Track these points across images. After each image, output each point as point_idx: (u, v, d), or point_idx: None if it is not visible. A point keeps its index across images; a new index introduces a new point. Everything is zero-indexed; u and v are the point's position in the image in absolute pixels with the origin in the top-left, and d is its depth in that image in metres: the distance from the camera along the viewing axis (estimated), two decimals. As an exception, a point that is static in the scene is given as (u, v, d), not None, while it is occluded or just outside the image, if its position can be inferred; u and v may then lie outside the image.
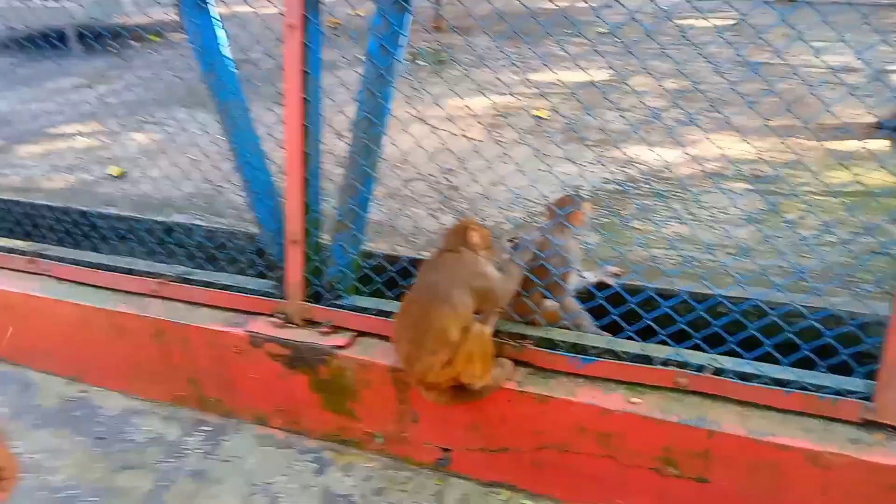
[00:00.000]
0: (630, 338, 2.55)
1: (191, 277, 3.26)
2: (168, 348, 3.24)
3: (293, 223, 2.89)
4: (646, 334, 2.53)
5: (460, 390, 2.56)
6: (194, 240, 3.36)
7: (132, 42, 7.26)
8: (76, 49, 7.29)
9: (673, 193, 4.18)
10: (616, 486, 2.56)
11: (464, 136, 2.58)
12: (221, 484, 2.96)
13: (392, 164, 2.91)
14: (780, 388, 2.36)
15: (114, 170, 4.72)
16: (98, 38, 3.28)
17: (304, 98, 2.73)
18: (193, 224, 3.49)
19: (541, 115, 5.41)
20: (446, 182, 4.31)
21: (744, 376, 2.42)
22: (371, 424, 2.95)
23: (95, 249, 3.61)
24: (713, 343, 2.46)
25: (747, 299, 2.53)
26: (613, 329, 2.67)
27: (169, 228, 3.47)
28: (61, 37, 3.46)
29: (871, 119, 5.09)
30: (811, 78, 2.28)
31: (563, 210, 2.64)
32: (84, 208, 3.76)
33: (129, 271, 3.39)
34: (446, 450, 2.84)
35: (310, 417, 3.07)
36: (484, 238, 2.56)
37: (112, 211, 3.79)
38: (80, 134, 4.28)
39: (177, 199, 3.48)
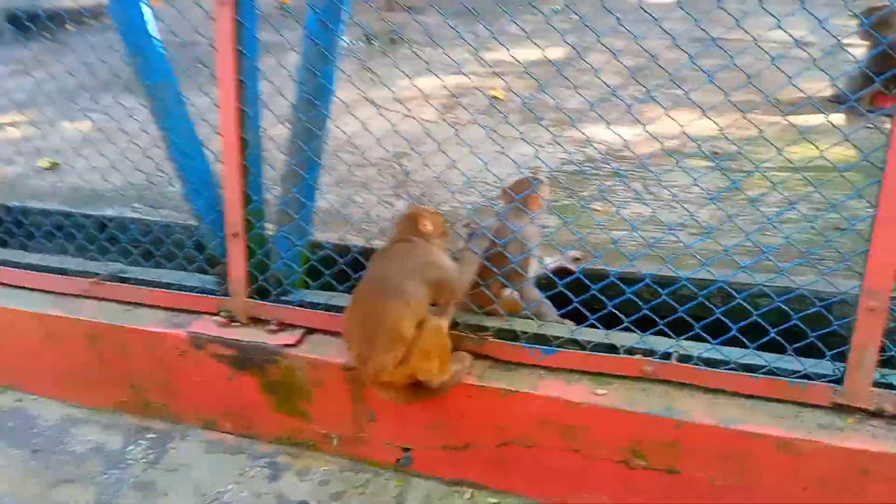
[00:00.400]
0: (593, 326, 2.44)
1: (126, 276, 3.04)
2: (104, 353, 3.02)
3: (233, 214, 2.70)
4: (610, 321, 2.41)
5: (418, 388, 2.42)
6: (130, 235, 3.13)
7: (70, 25, 6.87)
8: (8, 34, 6.88)
9: (633, 173, 4.08)
10: (582, 480, 2.46)
11: (415, 118, 2.41)
12: (168, 495, 2.78)
13: (341, 149, 2.71)
14: (748, 373, 2.27)
15: (44, 161, 4.42)
16: (32, 22, 3.01)
17: (240, 80, 2.52)
18: (128, 217, 3.26)
19: (496, 96, 5.25)
20: (398, 166, 4.14)
21: (711, 362, 2.32)
22: (326, 425, 2.79)
23: (23, 248, 3.34)
24: (680, 329, 2.36)
25: (712, 281, 2.43)
26: (576, 317, 2.55)
27: (101, 223, 3.23)
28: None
29: (828, 93, 5.07)
30: (766, 53, 2.17)
31: (520, 194, 2.50)
32: (9, 204, 3.49)
33: (60, 271, 3.15)
34: (407, 449, 2.70)
35: (261, 420, 2.90)
36: (437, 225, 2.40)
37: (39, 206, 3.52)
38: (12, 124, 3.96)
39: (111, 191, 3.23)
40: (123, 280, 3.04)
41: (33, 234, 3.28)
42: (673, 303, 2.30)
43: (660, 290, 2.34)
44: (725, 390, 2.30)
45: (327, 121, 2.59)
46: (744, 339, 2.29)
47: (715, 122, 2.36)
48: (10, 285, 3.22)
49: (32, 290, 3.19)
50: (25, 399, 3.32)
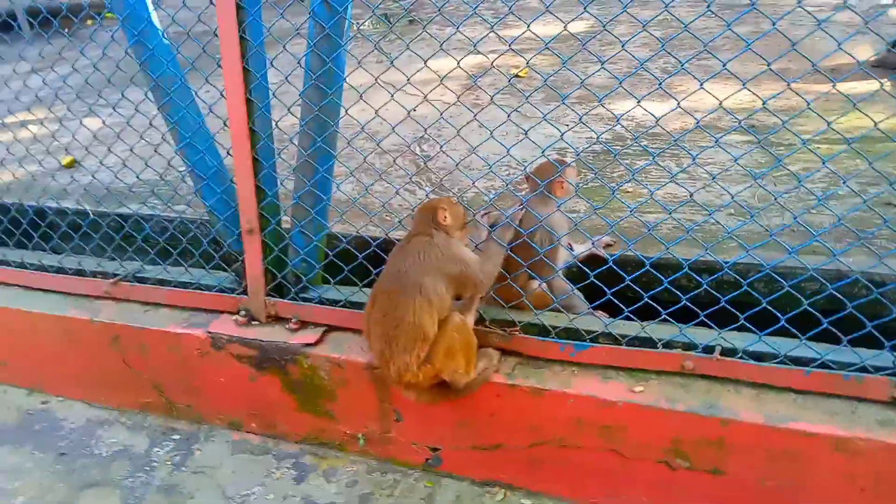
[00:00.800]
0: (628, 318, 2.28)
1: (144, 276, 2.97)
2: (126, 355, 2.97)
3: (247, 210, 2.59)
4: (646, 313, 2.25)
5: (443, 387, 2.30)
6: (147, 232, 3.05)
7: (87, 22, 6.84)
8: (28, 32, 6.87)
9: (665, 152, 3.87)
10: (622, 481, 2.33)
11: (430, 103, 2.26)
12: (193, 499, 2.72)
13: (357, 136, 2.57)
14: (798, 367, 2.10)
15: (65, 160, 4.38)
16: (54, 16, 2.94)
17: (245, 68, 2.40)
18: (145, 215, 3.18)
19: (518, 75, 5.05)
20: (417, 153, 3.99)
21: (758, 356, 2.15)
22: (351, 425, 2.70)
23: (41, 249, 3.30)
24: (721, 319, 2.19)
25: (756, 267, 2.24)
26: (609, 309, 2.39)
27: (119, 221, 3.16)
28: (9, 21, 3.12)
29: (872, 59, 4.76)
30: (803, 19, 1.96)
31: (545, 180, 2.33)
32: (26, 204, 3.44)
33: (79, 272, 3.09)
34: (435, 449, 2.60)
35: (286, 420, 2.82)
36: (457, 217, 2.26)
37: (55, 205, 3.47)
38: (32, 121, 3.90)
39: (131, 188, 3.15)
40: (142, 280, 2.97)
41: (50, 235, 3.23)
42: (714, 292, 2.13)
43: (698, 278, 2.17)
44: (774, 385, 2.13)
45: (339, 108, 2.45)
46: (793, 330, 2.11)
47: (755, 94, 2.16)
48: (31, 287, 3.19)
49: (53, 292, 3.16)
50: (52, 401, 3.30)
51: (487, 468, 2.53)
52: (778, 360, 2.12)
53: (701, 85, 2.08)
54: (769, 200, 3.19)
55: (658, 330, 2.27)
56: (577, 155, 2.45)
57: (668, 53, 2.18)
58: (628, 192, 3.40)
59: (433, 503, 2.56)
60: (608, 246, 2.86)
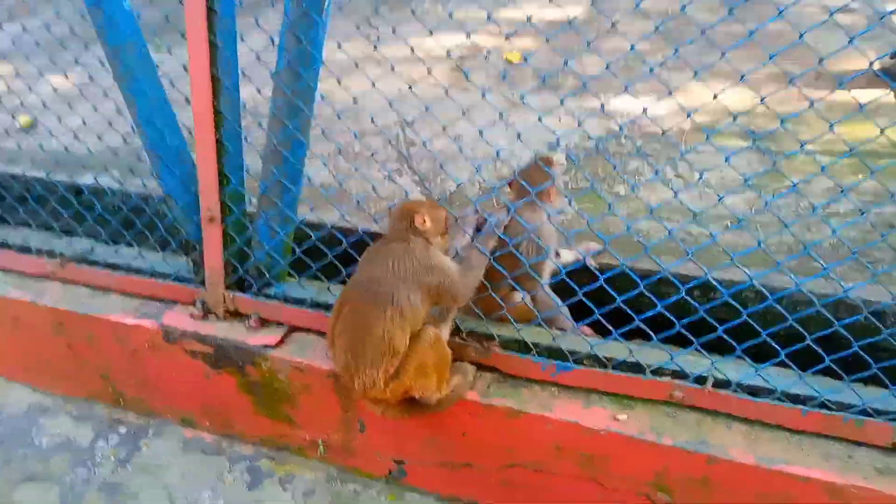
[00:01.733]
0: (616, 339, 2.11)
1: (93, 258, 2.73)
2: (72, 341, 2.75)
3: (208, 196, 2.36)
4: (634, 330, 2.08)
5: (413, 403, 2.12)
6: (100, 211, 2.79)
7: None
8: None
9: (661, 152, 3.68)
10: (597, 511, 2.18)
11: (410, 88, 2.03)
12: (137, 501, 2.54)
13: (337, 117, 2.34)
14: (796, 405, 1.95)
15: (23, 118, 4.08)
16: None
17: (212, 42, 2.15)
18: (100, 188, 2.91)
19: (510, 59, 4.81)
20: (403, 138, 3.75)
21: (753, 390, 2.00)
22: (312, 432, 2.52)
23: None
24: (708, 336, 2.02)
25: (756, 290, 2.07)
26: (596, 326, 2.22)
27: (70, 194, 2.89)
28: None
29: (876, 66, 4.60)
30: (804, 20, 1.78)
31: (535, 186, 2.13)
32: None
33: (24, 248, 2.84)
34: (400, 462, 2.43)
35: (242, 421, 2.63)
36: (437, 222, 2.06)
37: (6, 170, 3.20)
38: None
39: (92, 154, 2.87)
40: (91, 262, 2.73)
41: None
42: (713, 321, 1.96)
43: (697, 305, 2.00)
44: (767, 423, 1.99)
45: (314, 93, 2.22)
46: (793, 367, 1.95)
47: (756, 94, 1.98)
48: (-30, 262, 2.94)
49: (-5, 268, 2.91)
50: (-7, 383, 3.07)
51: (455, 486, 2.38)
52: (774, 396, 1.97)
53: (696, 74, 1.89)
54: (764, 211, 3.03)
55: (647, 354, 2.10)
56: (568, 150, 2.24)
57: (670, 46, 1.97)
58: (620, 195, 3.22)
59: (395, 519, 2.40)
60: (596, 252, 2.68)
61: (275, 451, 2.65)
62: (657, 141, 3.77)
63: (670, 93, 1.99)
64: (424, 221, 2.01)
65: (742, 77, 1.80)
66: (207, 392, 2.61)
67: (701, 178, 1.82)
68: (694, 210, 1.98)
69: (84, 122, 2.63)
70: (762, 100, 1.79)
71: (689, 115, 1.85)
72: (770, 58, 1.73)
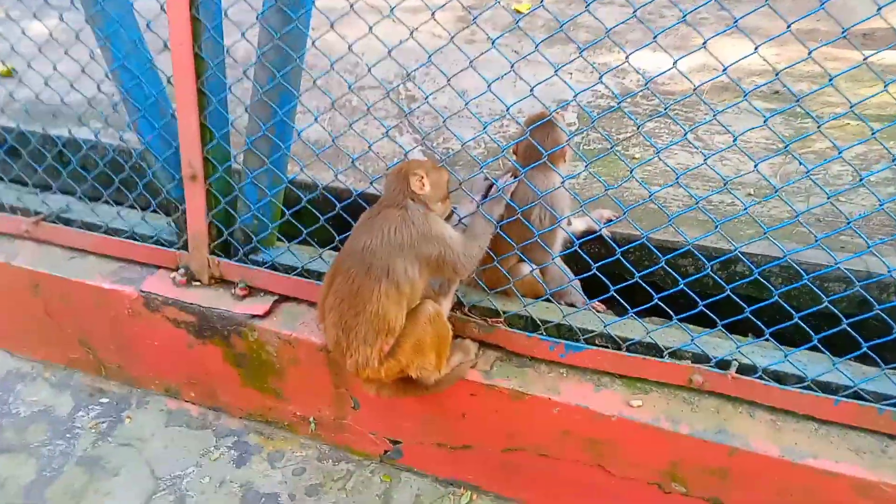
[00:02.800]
0: (632, 316, 1.94)
1: (69, 216, 2.54)
2: (49, 305, 2.58)
3: (190, 152, 2.16)
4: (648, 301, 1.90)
5: (409, 382, 1.96)
6: (74, 165, 2.59)
7: None
8: None
9: (678, 113, 3.45)
10: (604, 498, 2.04)
11: (412, 36, 1.81)
12: (118, 476, 2.40)
13: (336, 67, 2.11)
14: (826, 394, 1.79)
15: (1, 69, 3.84)
16: None
17: (190, -22, 1.93)
18: (75, 139, 2.69)
19: (518, 10, 4.53)
20: (404, 91, 3.52)
21: (779, 377, 1.84)
22: (302, 407, 2.37)
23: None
24: (733, 310, 1.85)
25: (789, 267, 1.90)
26: (609, 301, 2.05)
27: (44, 146, 2.69)
28: None
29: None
30: None
31: (546, 147, 1.92)
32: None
33: (-5, 205, 2.66)
34: (396, 441, 2.28)
35: (228, 393, 2.48)
36: (437, 186, 1.86)
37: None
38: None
39: (64, 106, 2.63)
40: (67, 222, 2.54)
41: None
42: (738, 300, 1.78)
43: (722, 282, 1.81)
44: (794, 412, 1.83)
45: (305, 38, 2.00)
46: (826, 353, 1.79)
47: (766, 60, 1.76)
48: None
49: (-35, 225, 2.72)
50: (-32, 346, 2.92)
51: (453, 467, 2.23)
52: (803, 384, 1.80)
53: (704, 43, 1.67)
54: (791, 179, 2.83)
55: (665, 335, 1.93)
56: (592, 119, 2.03)
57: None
58: (636, 157, 3.00)
59: (390, 500, 2.27)
60: (610, 221, 2.49)
61: (263, 425, 2.50)
62: (675, 100, 3.54)
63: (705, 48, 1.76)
64: (423, 185, 1.81)
65: (755, 50, 1.56)
66: (192, 362, 2.45)
67: (735, 141, 1.62)
68: (723, 177, 1.79)
69: (55, 68, 2.40)
70: (776, 75, 1.56)
71: (724, 70, 1.63)
72: (788, 27, 1.51)
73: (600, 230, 1.99)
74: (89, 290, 2.43)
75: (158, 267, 2.43)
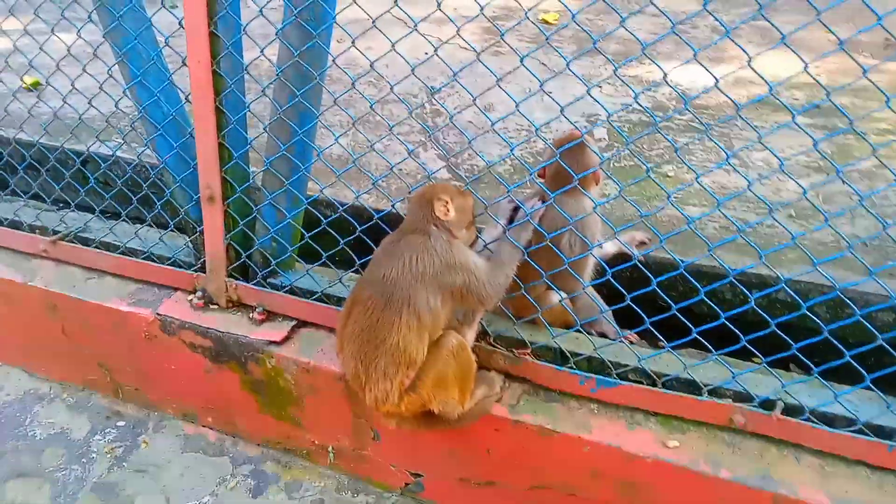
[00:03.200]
0: (669, 351, 1.82)
1: (87, 236, 2.50)
2: (66, 326, 2.54)
3: (208, 172, 2.10)
4: (680, 329, 1.78)
5: (431, 416, 1.86)
6: (99, 179, 2.55)
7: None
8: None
9: (711, 128, 3.32)
10: (637, 542, 1.91)
11: (436, 51, 1.73)
12: (133, 504, 2.34)
13: (358, 83, 2.03)
14: (881, 439, 1.65)
15: (28, 79, 3.84)
16: None
17: (209, -5, 1.86)
18: (102, 154, 2.66)
19: (547, 21, 4.43)
20: (429, 106, 3.44)
21: (829, 419, 1.70)
22: (321, 436, 2.29)
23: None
24: (771, 344, 1.72)
25: (865, 305, 1.75)
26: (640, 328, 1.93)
27: (62, 163, 2.65)
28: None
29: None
30: None
31: (580, 172, 1.82)
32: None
33: (14, 224, 2.62)
34: (417, 475, 2.18)
35: (246, 420, 2.41)
36: (462, 211, 1.77)
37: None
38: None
39: (80, 122, 2.58)
40: (84, 242, 2.50)
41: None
42: (785, 337, 1.66)
43: (766, 316, 1.69)
44: (845, 457, 1.69)
45: (326, 55, 1.92)
46: (881, 395, 1.65)
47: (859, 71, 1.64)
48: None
49: (-14, 243, 2.70)
50: (-10, 365, 2.89)
51: (477, 502, 2.13)
52: (855, 427, 1.67)
53: (749, 61, 1.55)
54: (834, 202, 2.69)
55: (705, 371, 1.81)
56: (625, 138, 1.92)
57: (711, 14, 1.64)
58: (668, 176, 2.88)
59: (411, 535, 2.17)
60: (642, 244, 2.38)
61: (281, 453, 2.43)
62: (709, 116, 3.41)
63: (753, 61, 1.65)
64: (448, 211, 1.72)
65: (805, 68, 1.45)
66: (209, 387, 2.38)
67: (782, 165, 1.51)
68: (768, 203, 1.67)
69: (73, 85, 2.36)
70: (828, 95, 1.44)
71: (770, 90, 1.52)
72: (840, 44, 1.38)
73: (635, 259, 1.87)
74: (106, 312, 2.38)
75: (176, 289, 2.37)
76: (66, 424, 2.64)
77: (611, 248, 2.24)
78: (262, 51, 1.95)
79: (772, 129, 1.80)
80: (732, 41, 1.59)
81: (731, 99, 1.60)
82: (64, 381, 2.76)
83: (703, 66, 1.54)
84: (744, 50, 1.52)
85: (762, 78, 1.55)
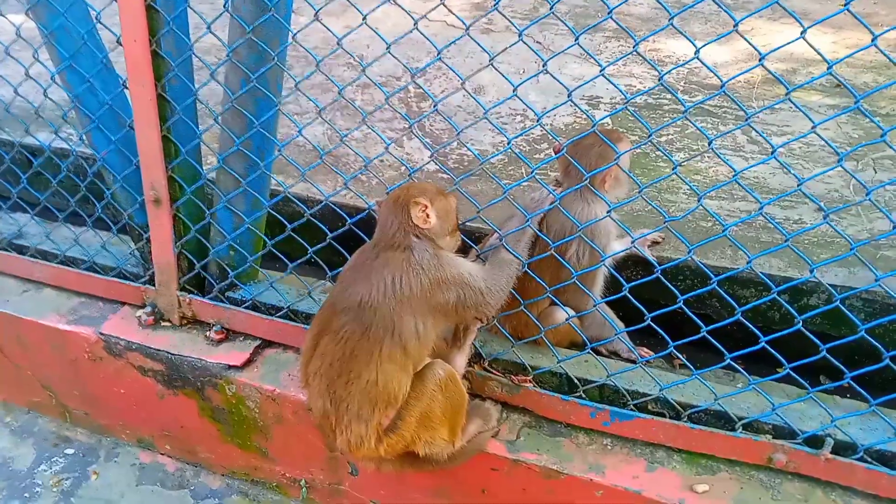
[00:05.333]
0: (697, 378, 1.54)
1: (23, 243, 2.19)
2: (3, 345, 2.23)
3: (151, 170, 1.79)
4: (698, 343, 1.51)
5: (416, 457, 1.58)
6: (31, 177, 2.22)
7: None
8: None
9: (725, 111, 3.03)
10: None
11: (415, 23, 1.42)
12: (79, 548, 2.06)
13: (342, 61, 1.72)
14: (951, 483, 1.39)
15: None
16: None
17: (140, -41, 1.55)
18: (37, 146, 2.31)
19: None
20: (413, 89, 3.11)
21: (885, 457, 1.44)
22: (291, 469, 2.01)
23: None
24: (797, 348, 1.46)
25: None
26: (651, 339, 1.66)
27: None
28: None
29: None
30: None
31: (591, 170, 1.52)
32: None
33: (-59, 229, 2.31)
34: (400, 513, 1.91)
35: (208, 448, 2.12)
36: (444, 214, 1.47)
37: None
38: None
39: (19, 113, 2.25)
40: (20, 249, 2.19)
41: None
42: (837, 363, 1.38)
43: (815, 338, 1.41)
44: (905, 502, 1.43)
45: (286, 31, 1.61)
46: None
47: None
48: None
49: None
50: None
51: (471, 545, 1.86)
52: (918, 468, 1.41)
53: (773, 50, 1.26)
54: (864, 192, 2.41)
55: (739, 401, 1.54)
56: (643, 122, 1.63)
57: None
58: (681, 164, 2.59)
59: (395, 583, 1.90)
60: (654, 244, 2.10)
61: (249, 485, 2.14)
62: (722, 97, 3.11)
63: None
64: (428, 217, 1.43)
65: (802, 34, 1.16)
66: (163, 413, 2.10)
67: (792, 139, 1.24)
68: (820, 204, 1.38)
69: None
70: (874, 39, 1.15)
71: (784, 84, 1.23)
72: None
73: (658, 273, 1.57)
74: (44, 330, 2.08)
75: (122, 304, 2.07)
76: (9, 453, 2.34)
77: (617, 246, 1.96)
78: (208, 26, 1.63)
79: (805, 109, 1.50)
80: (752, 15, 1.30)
81: (779, 79, 1.30)
82: (7, 402, 2.46)
83: (745, 39, 1.24)
84: (796, 16, 1.23)
85: (821, 55, 1.26)
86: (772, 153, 1.29)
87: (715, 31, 3.74)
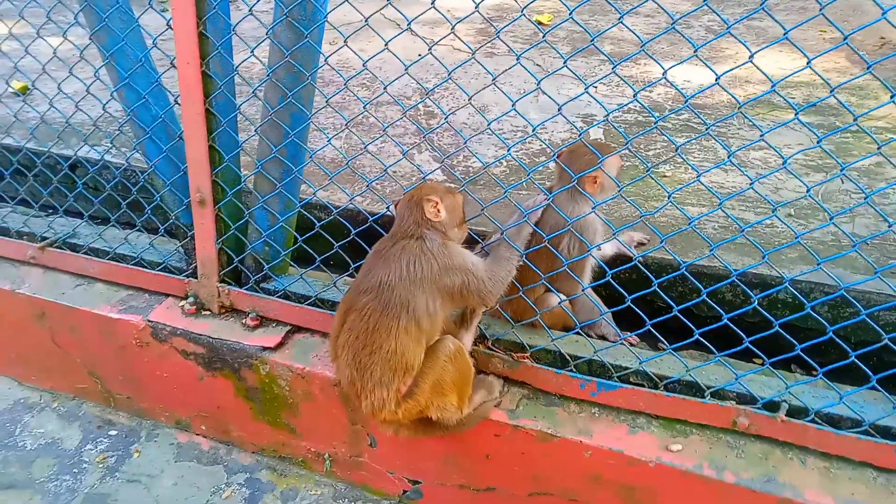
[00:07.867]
0: (671, 353, 1.79)
1: (75, 241, 2.45)
2: (56, 334, 2.49)
3: (198, 175, 2.06)
4: (680, 330, 1.75)
5: (429, 423, 1.82)
6: (87, 183, 2.50)
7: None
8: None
9: (710, 129, 3.29)
10: (640, 547, 1.88)
11: (429, 49, 1.69)
12: (124, 516, 2.29)
13: (352, 83, 1.99)
14: (888, 441, 1.62)
15: (16, 83, 3.79)
16: None
17: (197, -5, 1.83)
18: (92, 159, 2.60)
19: (541, 21, 4.40)
20: (423, 107, 3.40)
21: (834, 420, 1.67)
22: (316, 443, 2.24)
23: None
24: (772, 344, 1.70)
25: (869, 305, 1.72)
26: (638, 328, 1.90)
27: (57, 165, 2.60)
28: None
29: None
30: None
31: (578, 172, 1.79)
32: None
33: (1, 230, 2.57)
34: (415, 482, 2.15)
35: (241, 427, 2.36)
36: (453, 210, 1.73)
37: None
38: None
39: (68, 126, 2.53)
40: (73, 248, 2.45)
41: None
42: (790, 338, 1.63)
43: (770, 317, 1.66)
44: (849, 458, 1.66)
45: (317, 54, 1.89)
46: (887, 395, 1.62)
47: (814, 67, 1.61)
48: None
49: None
50: (-23, 375, 2.84)
51: (476, 510, 2.09)
52: (860, 428, 1.64)
53: (751, 58, 1.52)
54: (833, 201, 2.66)
55: (707, 373, 1.78)
56: (625, 137, 1.89)
57: (712, 10, 1.61)
58: (665, 176, 2.85)
59: (409, 544, 2.13)
60: (640, 245, 2.35)
61: (277, 461, 2.38)
62: (707, 115, 3.38)
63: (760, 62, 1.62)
64: (438, 211, 1.69)
65: (808, 63, 1.42)
66: (202, 395, 2.34)
67: (785, 163, 1.48)
68: (773, 203, 1.64)
69: (59, 88, 2.32)
70: (832, 91, 1.41)
71: (773, 86, 1.48)
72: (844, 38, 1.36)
73: (636, 260, 1.83)
74: (96, 319, 2.34)
75: (167, 295, 2.33)
76: (57, 434, 2.59)
77: (609, 249, 2.21)
78: (252, 51, 1.91)
79: (774, 126, 1.76)
80: (734, 37, 1.56)
81: (733, 97, 1.57)
82: (54, 390, 2.71)
83: (704, 62, 1.51)
84: (746, 46, 1.49)
85: (765, 75, 1.52)
86: (728, 157, 1.54)
87: (703, 57, 4.02)
